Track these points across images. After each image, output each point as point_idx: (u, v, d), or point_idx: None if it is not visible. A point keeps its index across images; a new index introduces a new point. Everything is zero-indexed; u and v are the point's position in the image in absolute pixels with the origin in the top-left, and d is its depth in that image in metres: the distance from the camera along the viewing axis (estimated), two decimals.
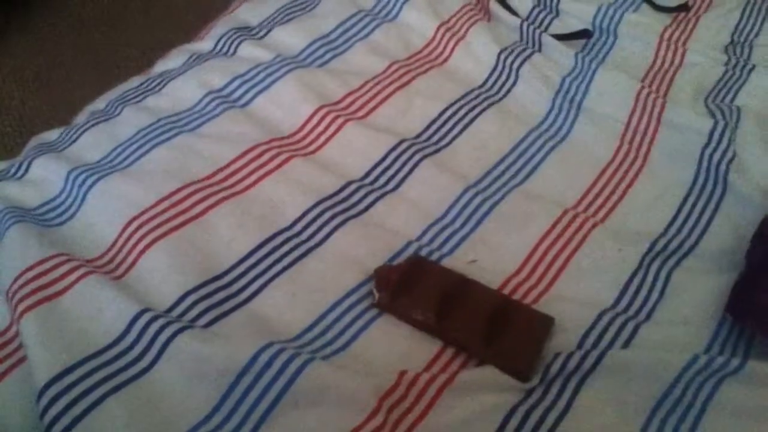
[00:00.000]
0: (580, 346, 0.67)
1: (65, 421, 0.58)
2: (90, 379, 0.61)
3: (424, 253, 0.75)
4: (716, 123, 0.90)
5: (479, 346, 0.66)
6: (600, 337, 0.68)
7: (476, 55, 1.02)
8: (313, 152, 0.87)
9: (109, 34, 1.99)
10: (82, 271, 0.69)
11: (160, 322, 0.64)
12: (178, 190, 0.77)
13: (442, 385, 0.62)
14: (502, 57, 1.01)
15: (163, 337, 0.63)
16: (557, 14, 1.15)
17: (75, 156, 0.85)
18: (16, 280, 0.68)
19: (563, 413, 0.62)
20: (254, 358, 0.60)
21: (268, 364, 0.60)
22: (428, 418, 0.60)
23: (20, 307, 0.65)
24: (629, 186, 0.86)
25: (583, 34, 1.08)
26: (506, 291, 0.73)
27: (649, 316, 0.71)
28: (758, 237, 0.74)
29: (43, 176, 0.83)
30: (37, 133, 0.95)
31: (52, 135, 0.91)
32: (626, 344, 0.67)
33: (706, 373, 0.63)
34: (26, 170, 0.85)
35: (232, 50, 1.02)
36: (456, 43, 1.04)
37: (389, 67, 0.99)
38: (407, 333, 0.68)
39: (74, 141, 0.88)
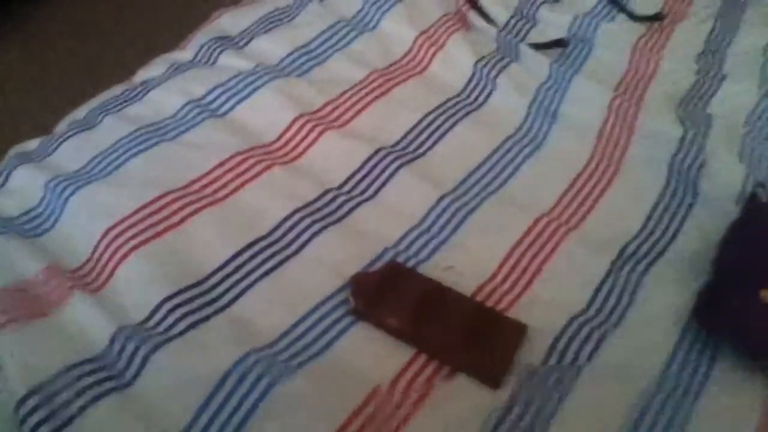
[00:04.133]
0: (550, 351, 0.68)
1: (47, 429, 0.58)
2: (73, 389, 0.61)
3: (401, 259, 0.76)
4: (686, 131, 0.92)
5: (452, 353, 0.67)
6: (569, 342, 0.69)
7: (454, 64, 1.04)
8: (292, 160, 0.88)
9: (101, 42, 1.99)
10: (67, 286, 0.70)
11: (136, 340, 0.65)
12: (158, 198, 0.78)
13: (416, 401, 0.62)
14: (480, 66, 1.03)
15: (141, 354, 0.64)
16: (534, 24, 1.17)
17: (54, 165, 0.86)
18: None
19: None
20: (229, 372, 0.61)
21: (242, 378, 0.61)
22: None
23: (1, 318, 0.66)
24: (602, 192, 0.87)
25: (559, 43, 1.10)
26: (481, 296, 0.74)
27: (619, 320, 0.72)
28: (725, 243, 0.76)
29: (23, 186, 0.84)
30: (27, 137, 0.95)
31: (31, 144, 0.92)
32: (595, 349, 0.68)
33: (674, 396, 0.64)
34: (6, 180, 0.85)
35: (212, 60, 1.03)
36: (435, 53, 1.05)
37: (369, 76, 1.00)
38: (383, 339, 0.69)
39: (54, 150, 0.89)
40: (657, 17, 1.19)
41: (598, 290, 0.75)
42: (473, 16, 1.14)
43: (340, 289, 0.73)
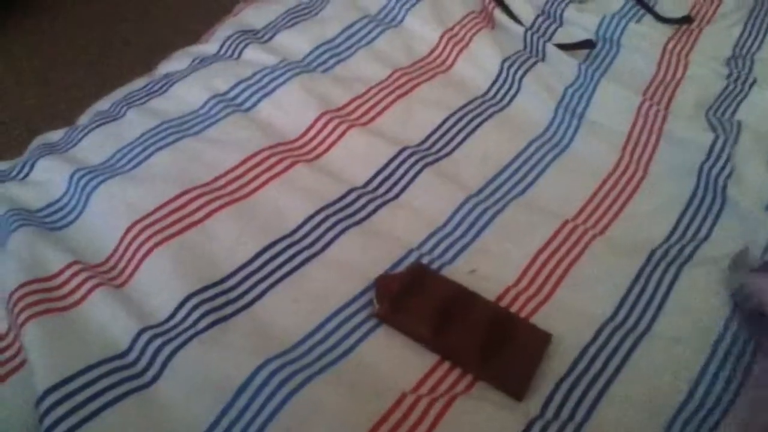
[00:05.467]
0: (577, 359, 0.67)
1: (65, 426, 0.58)
2: (92, 388, 0.61)
3: (425, 261, 0.76)
4: (716, 137, 0.91)
5: (475, 363, 0.66)
6: (599, 351, 0.68)
7: (480, 63, 1.03)
8: (316, 158, 0.87)
9: (108, 34, 1.99)
10: (91, 283, 0.70)
11: (160, 339, 0.65)
12: (181, 194, 0.78)
13: (440, 410, 0.61)
14: (506, 66, 1.01)
15: (163, 355, 0.64)
16: (561, 23, 1.15)
17: (78, 157, 0.86)
18: (22, 286, 0.68)
19: None
20: (251, 378, 0.61)
21: (264, 384, 0.60)
22: None
23: (25, 313, 0.66)
24: (629, 198, 0.86)
25: (587, 44, 1.08)
26: (505, 301, 0.73)
27: (647, 328, 0.71)
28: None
29: (47, 178, 0.83)
30: (35, 131, 0.95)
31: (55, 135, 0.92)
32: (625, 359, 0.67)
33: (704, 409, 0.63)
34: (29, 171, 0.85)
35: (236, 53, 1.02)
36: (460, 51, 1.04)
37: (393, 73, 0.99)
38: (406, 344, 0.68)
39: (78, 142, 0.88)
40: (685, 20, 1.17)
41: (625, 297, 0.73)
42: (499, 15, 1.12)
43: (363, 291, 0.72)
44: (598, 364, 0.67)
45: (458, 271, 0.75)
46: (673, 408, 0.63)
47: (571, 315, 0.72)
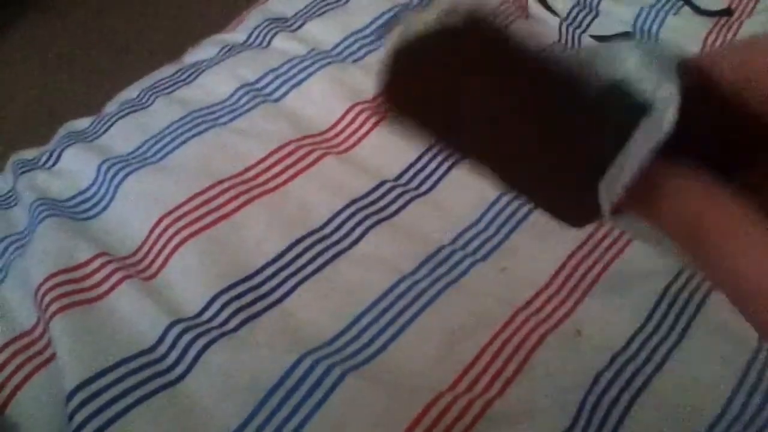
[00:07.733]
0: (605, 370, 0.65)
1: (94, 425, 0.57)
2: (121, 385, 0.60)
3: (456, 258, 0.74)
4: None
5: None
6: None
7: None
8: (345, 150, 0.85)
9: (133, 18, 1.99)
10: (119, 275, 0.69)
11: (192, 333, 0.63)
12: (210, 187, 0.77)
13: (475, 418, 0.60)
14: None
15: (194, 349, 0.63)
16: (597, 15, 1.12)
17: (106, 147, 0.85)
18: (50, 278, 0.68)
19: None
20: (285, 376, 0.59)
21: (299, 384, 0.59)
22: None
23: (54, 306, 0.65)
24: None
25: (624, 36, 1.05)
26: (536, 303, 0.70)
27: (679, 339, 0.68)
28: None
29: (74, 167, 0.83)
30: (59, 118, 0.95)
31: (82, 124, 0.91)
32: (656, 370, 0.65)
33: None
34: (57, 160, 0.84)
35: (265, 42, 1.01)
36: None
37: None
38: (440, 339, 0.66)
39: (105, 131, 0.87)
40: (725, 12, 1.14)
41: (656, 306, 0.70)
42: (534, 5, 1.10)
43: (394, 286, 0.70)
44: (626, 375, 0.64)
45: (490, 269, 0.73)
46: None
47: (601, 323, 0.69)
